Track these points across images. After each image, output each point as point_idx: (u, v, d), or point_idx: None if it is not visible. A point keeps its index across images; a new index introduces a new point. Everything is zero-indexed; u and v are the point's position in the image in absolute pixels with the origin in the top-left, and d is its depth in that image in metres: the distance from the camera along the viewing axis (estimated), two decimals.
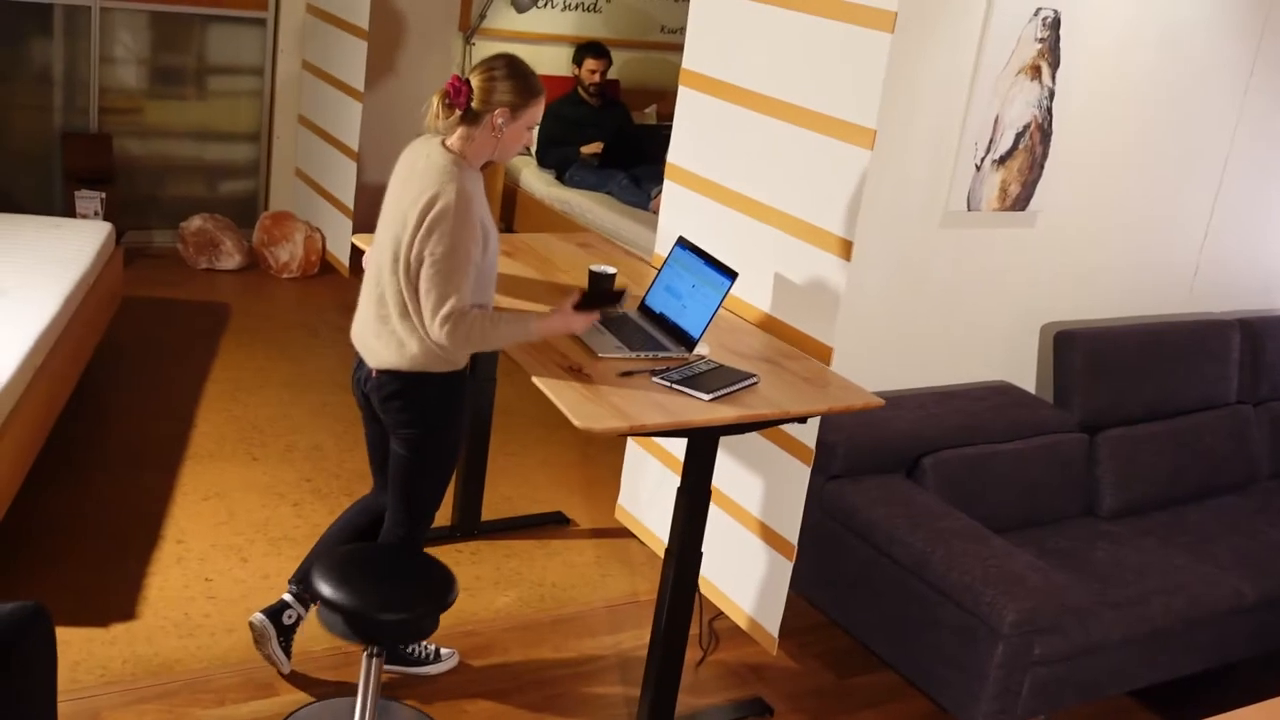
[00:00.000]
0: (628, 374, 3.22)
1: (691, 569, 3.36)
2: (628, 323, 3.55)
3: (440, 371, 3.14)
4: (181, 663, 3.53)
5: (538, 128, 7.15)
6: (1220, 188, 4.84)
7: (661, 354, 3.35)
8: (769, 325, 3.75)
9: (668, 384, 3.18)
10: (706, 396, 3.12)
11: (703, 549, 3.40)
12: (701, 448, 3.27)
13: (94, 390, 5.02)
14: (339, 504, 4.43)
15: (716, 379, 3.22)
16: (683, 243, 3.62)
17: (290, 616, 3.51)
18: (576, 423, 2.95)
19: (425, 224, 2.97)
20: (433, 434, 3.22)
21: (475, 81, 3.05)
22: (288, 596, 3.52)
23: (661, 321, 3.56)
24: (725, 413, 3.11)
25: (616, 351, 3.33)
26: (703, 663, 3.89)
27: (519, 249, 4.15)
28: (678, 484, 3.30)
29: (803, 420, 3.36)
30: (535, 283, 3.83)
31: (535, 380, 3.15)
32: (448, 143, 3.09)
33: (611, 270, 3.67)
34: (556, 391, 3.07)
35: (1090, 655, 3.62)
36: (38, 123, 6.48)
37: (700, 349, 3.42)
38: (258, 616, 3.49)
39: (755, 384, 3.26)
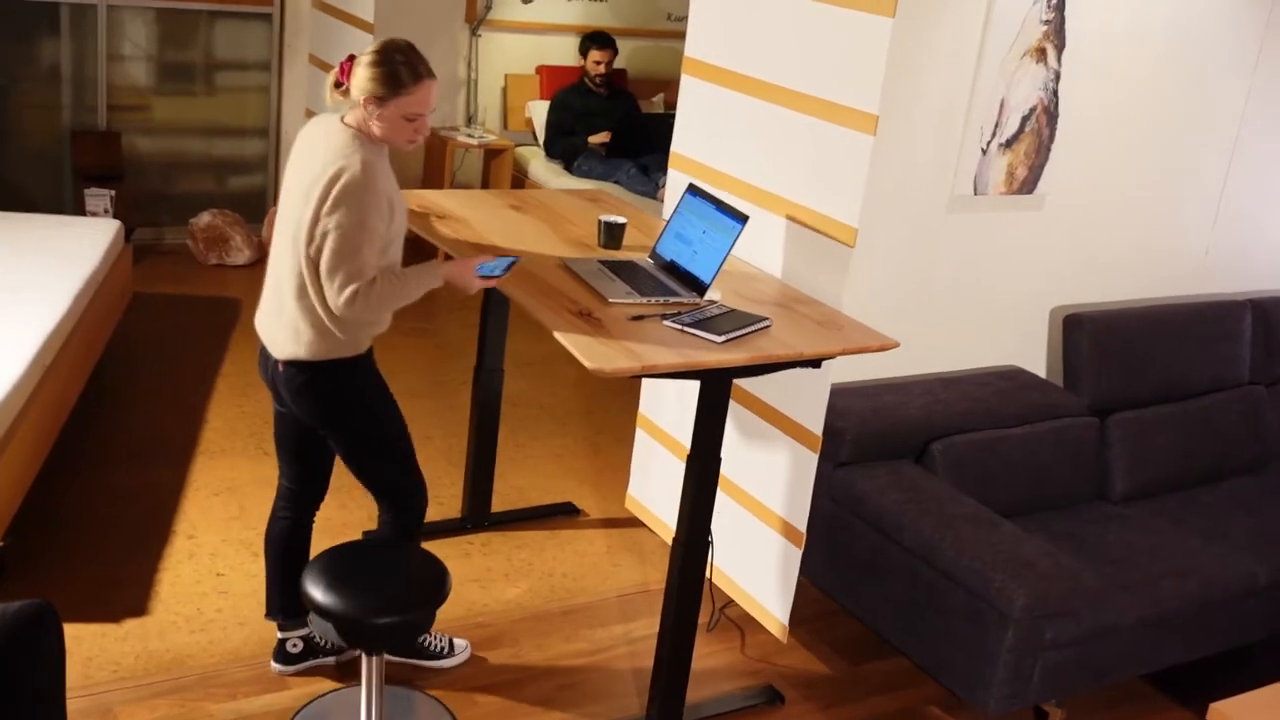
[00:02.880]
0: (638, 318, 3.19)
1: (700, 552, 3.36)
2: (638, 270, 3.53)
3: (344, 357, 3.11)
4: (193, 658, 3.55)
5: (548, 115, 7.20)
6: (1230, 167, 4.80)
7: (672, 299, 3.33)
8: None
9: (679, 327, 3.15)
10: (719, 339, 3.10)
11: (712, 537, 3.40)
12: (713, 392, 3.24)
13: (105, 387, 5.04)
14: (349, 497, 4.44)
15: (728, 322, 3.19)
16: (693, 189, 3.60)
17: (295, 645, 3.51)
18: (587, 364, 2.89)
19: (330, 197, 2.92)
20: (357, 418, 3.19)
21: (357, 65, 3.01)
22: (279, 634, 3.52)
23: (672, 268, 3.53)
24: (738, 354, 3.07)
25: (627, 297, 3.30)
26: (714, 626, 3.89)
27: (528, 204, 4.14)
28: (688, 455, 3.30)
29: (817, 364, 3.34)
30: (546, 235, 3.81)
31: (542, 321, 3.10)
32: (346, 119, 3.05)
33: (621, 220, 3.68)
34: (566, 334, 3.03)
35: (1102, 639, 3.61)
36: (47, 121, 6.51)
37: (712, 294, 3.40)
38: (275, 668, 3.51)
39: (768, 327, 3.23)
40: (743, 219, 3.40)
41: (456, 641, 3.67)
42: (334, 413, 3.18)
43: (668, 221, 3.66)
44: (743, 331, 3.16)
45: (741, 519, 3.92)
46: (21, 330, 4.08)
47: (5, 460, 3.59)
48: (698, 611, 3.44)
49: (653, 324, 3.17)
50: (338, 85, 3.06)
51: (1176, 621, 3.79)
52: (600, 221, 3.71)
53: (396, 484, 3.35)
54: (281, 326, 3.10)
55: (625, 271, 3.49)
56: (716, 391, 3.25)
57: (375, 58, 2.98)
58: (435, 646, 3.62)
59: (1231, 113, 4.71)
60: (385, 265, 3.05)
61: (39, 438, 3.98)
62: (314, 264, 2.98)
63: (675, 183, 4.15)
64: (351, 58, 3.02)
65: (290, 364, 3.12)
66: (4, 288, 4.39)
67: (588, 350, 2.94)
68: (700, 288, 3.40)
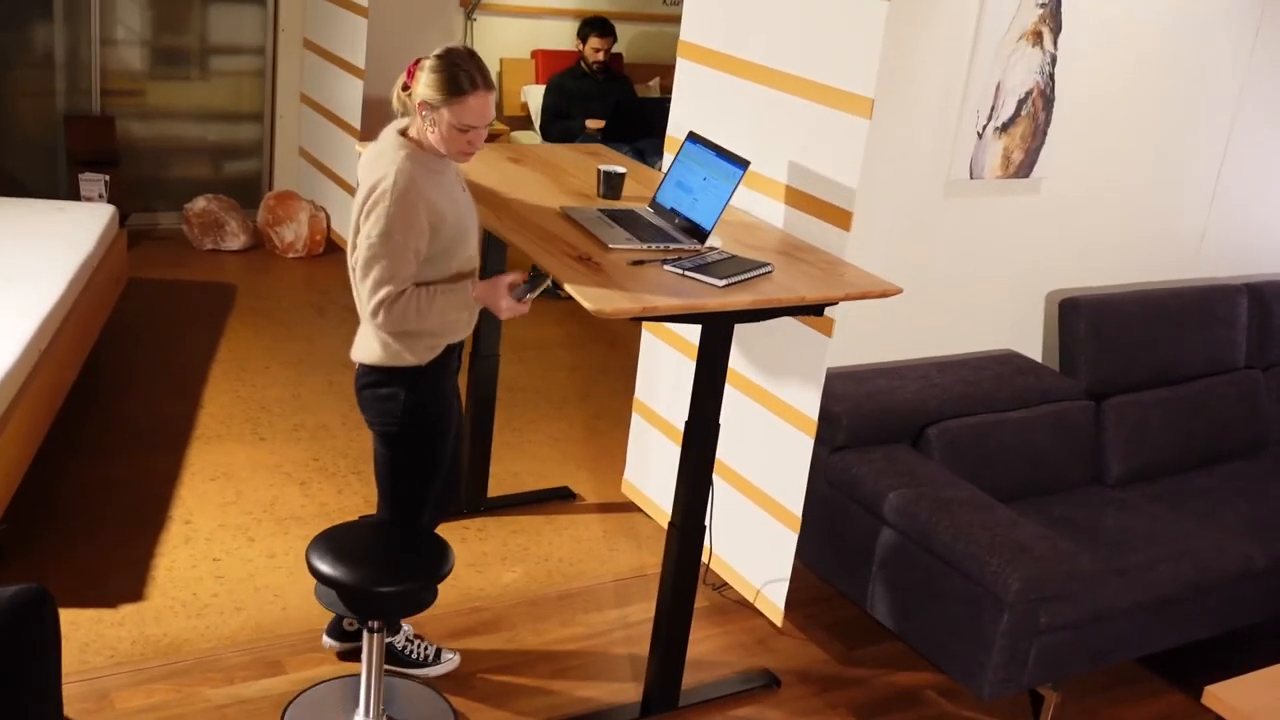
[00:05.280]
0: (639, 263, 3.18)
1: (696, 536, 3.36)
2: (638, 217, 3.52)
3: (404, 366, 3.09)
4: (190, 642, 3.55)
5: (544, 99, 7.18)
6: (1226, 151, 4.80)
7: (673, 245, 3.32)
8: None
9: (680, 271, 3.13)
10: (720, 283, 3.08)
11: (708, 522, 3.40)
12: (715, 338, 3.23)
13: (100, 372, 5.04)
14: (346, 483, 4.44)
15: (730, 267, 3.18)
16: (693, 136, 3.58)
17: (351, 624, 3.57)
18: (588, 305, 2.87)
19: (365, 206, 2.92)
20: (401, 432, 3.16)
21: (419, 70, 2.96)
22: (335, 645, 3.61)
23: (673, 216, 3.53)
24: (740, 298, 3.06)
25: (627, 243, 3.28)
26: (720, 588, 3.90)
27: (527, 156, 4.13)
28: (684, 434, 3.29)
29: (819, 311, 3.33)
30: (545, 186, 3.79)
31: (538, 263, 3.07)
32: (410, 130, 3.02)
33: (621, 169, 3.68)
34: (566, 277, 3.00)
35: (1098, 622, 3.62)
36: (40, 106, 6.48)
37: (712, 241, 3.39)
38: (326, 641, 3.60)
39: (769, 273, 3.22)
40: (744, 164, 3.38)
41: (445, 653, 3.60)
42: (381, 416, 3.17)
43: (667, 170, 3.64)
44: (744, 276, 3.14)
45: (738, 504, 3.92)
46: (16, 316, 4.07)
47: (1, 445, 3.59)
48: (694, 596, 3.44)
49: (653, 269, 3.15)
50: (405, 88, 3.00)
51: (1172, 605, 3.80)
52: (599, 171, 3.71)
53: (406, 504, 3.29)
54: (360, 332, 3.14)
55: (625, 219, 3.48)
56: (718, 337, 3.24)
57: (438, 62, 2.93)
58: (419, 655, 3.56)
59: (1227, 97, 4.70)
60: (434, 278, 3.02)
61: (34, 423, 3.98)
62: (354, 271, 3.00)
63: None
64: (418, 61, 2.97)
65: (360, 365, 3.16)
66: None
67: (588, 293, 2.92)
68: (701, 235, 3.39)
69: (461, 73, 2.91)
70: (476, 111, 2.93)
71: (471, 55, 2.97)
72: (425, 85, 2.92)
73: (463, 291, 3.01)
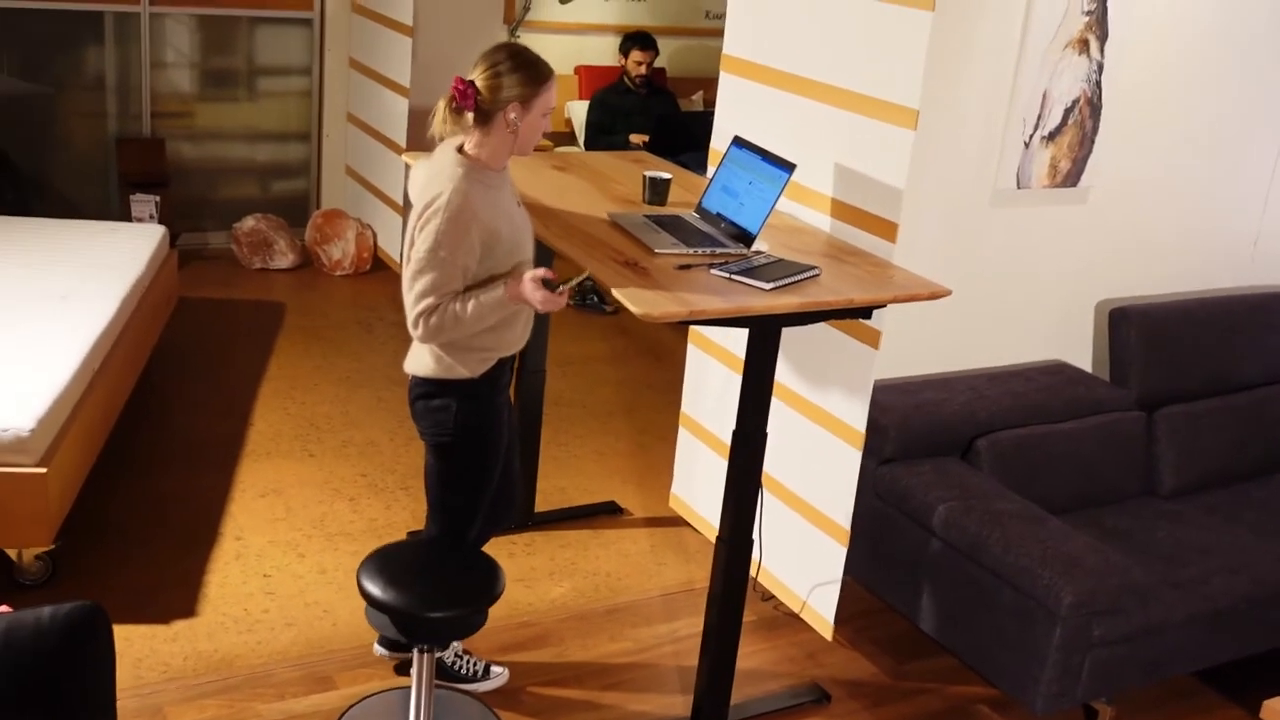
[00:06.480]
0: (685, 268, 3.17)
1: (744, 549, 3.35)
2: (683, 223, 3.52)
3: (457, 379, 3.11)
4: (241, 658, 3.58)
5: (588, 115, 7.21)
6: (1279, 156, 4.73)
7: (719, 249, 3.31)
8: None
9: (727, 275, 3.12)
10: (767, 286, 3.07)
11: (757, 536, 3.39)
12: (762, 341, 3.22)
13: (152, 391, 5.09)
14: (394, 499, 4.47)
15: (777, 270, 3.17)
16: (739, 141, 3.58)
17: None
18: (635, 309, 2.87)
19: (419, 222, 2.95)
20: (454, 443, 3.18)
21: (480, 80, 2.96)
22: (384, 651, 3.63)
23: (719, 221, 3.52)
24: (788, 300, 3.04)
25: (673, 248, 3.28)
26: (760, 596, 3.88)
27: (572, 164, 4.14)
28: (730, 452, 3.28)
29: (867, 314, 3.31)
30: (590, 193, 3.80)
31: (588, 268, 3.06)
32: (464, 148, 3.02)
33: (666, 175, 3.68)
34: (614, 283, 3.00)
35: (1152, 636, 3.57)
36: (92, 129, 6.59)
37: (759, 245, 3.38)
38: (378, 650, 3.63)
39: (817, 276, 3.21)
40: (790, 167, 3.37)
41: (494, 668, 3.61)
42: (432, 428, 3.19)
43: (713, 176, 3.64)
44: (792, 279, 3.13)
45: (786, 517, 3.90)
46: (70, 335, 4.12)
47: (56, 464, 3.64)
48: (742, 610, 3.43)
49: (700, 273, 3.15)
50: (455, 109, 2.97)
51: (1227, 618, 3.74)
52: (645, 177, 3.72)
53: (455, 518, 3.31)
54: (413, 346, 3.16)
55: (671, 224, 3.48)
56: (765, 341, 3.23)
57: (511, 63, 2.95)
58: (469, 670, 3.57)
59: (1278, 100, 4.63)
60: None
61: (88, 442, 4.03)
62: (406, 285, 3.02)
63: None
64: (463, 80, 2.95)
65: (413, 377, 3.18)
66: (52, 294, 4.45)
67: (635, 297, 2.91)
68: (747, 239, 3.38)
69: (537, 60, 3.01)
70: (554, 93, 3.05)
71: (525, 47, 3.05)
72: (514, 84, 2.95)
73: (497, 293, 3.00)
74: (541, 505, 4.51)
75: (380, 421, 5.06)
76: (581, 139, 7.45)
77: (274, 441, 4.83)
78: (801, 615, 3.93)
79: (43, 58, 6.37)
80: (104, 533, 4.10)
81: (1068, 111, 4.05)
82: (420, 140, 6.57)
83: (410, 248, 2.99)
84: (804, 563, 3.86)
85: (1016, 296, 4.28)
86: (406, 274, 2.99)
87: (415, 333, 3.00)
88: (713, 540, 3.55)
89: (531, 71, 2.97)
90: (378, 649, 3.61)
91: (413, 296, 2.96)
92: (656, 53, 7.26)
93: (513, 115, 2.97)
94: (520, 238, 3.09)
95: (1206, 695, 3.96)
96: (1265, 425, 4.52)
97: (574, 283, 2.99)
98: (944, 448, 3.94)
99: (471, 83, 2.96)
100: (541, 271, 2.98)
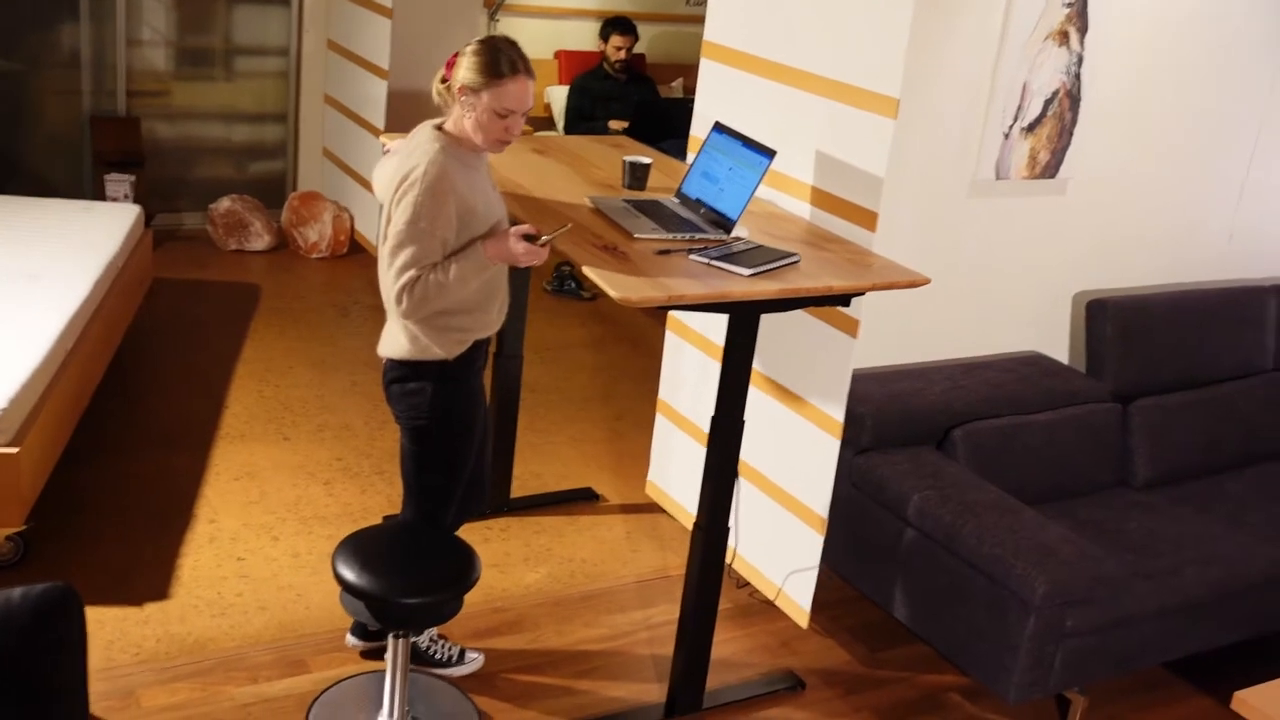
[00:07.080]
0: (665, 253, 3.17)
1: (720, 537, 3.35)
2: (663, 208, 3.51)
3: (432, 360, 3.09)
4: (214, 641, 3.56)
5: (568, 100, 7.18)
6: (1255, 151, 4.76)
7: (699, 235, 3.31)
8: None
9: (706, 260, 3.12)
10: (746, 272, 3.06)
11: (733, 523, 3.39)
12: (741, 327, 3.22)
13: (125, 372, 5.06)
14: (369, 483, 4.45)
15: (756, 256, 3.17)
16: (719, 126, 3.57)
17: (375, 624, 3.51)
18: (613, 293, 2.86)
19: (396, 195, 2.93)
20: (429, 426, 3.16)
21: (460, 57, 2.99)
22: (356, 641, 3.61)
23: (698, 207, 3.52)
24: (766, 287, 3.04)
25: (652, 232, 3.28)
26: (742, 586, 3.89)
27: (551, 148, 4.12)
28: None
29: (846, 301, 3.31)
30: (569, 177, 3.79)
31: (567, 253, 3.06)
32: (445, 124, 3.04)
33: (646, 160, 3.68)
34: (592, 267, 2.99)
35: (1124, 627, 3.59)
36: (67, 107, 6.52)
37: (738, 231, 3.38)
38: (350, 640, 3.60)
39: (796, 262, 3.21)
40: (770, 153, 3.36)
41: (469, 653, 3.60)
42: (407, 411, 3.17)
43: (693, 161, 3.64)
44: (771, 266, 3.13)
45: (762, 504, 3.91)
46: (43, 315, 4.09)
47: (28, 445, 3.61)
48: (718, 597, 3.43)
49: (679, 258, 3.14)
50: (444, 81, 3.02)
51: (1199, 609, 3.76)
52: (625, 162, 3.71)
53: (430, 501, 3.29)
54: (387, 327, 3.15)
55: (650, 209, 3.47)
56: (744, 327, 3.23)
57: (479, 47, 2.96)
58: (444, 655, 3.56)
59: (1256, 95, 4.66)
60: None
61: (61, 422, 4.00)
62: (383, 260, 3.00)
63: None
64: (457, 54, 2.99)
65: (387, 360, 3.17)
66: (25, 273, 4.40)
67: (613, 281, 2.91)
68: (727, 225, 3.38)
69: (502, 57, 2.94)
70: (515, 96, 2.95)
71: (512, 43, 3.00)
72: (466, 69, 2.94)
73: (476, 253, 2.99)
74: (517, 491, 4.50)
75: (355, 405, 5.04)
76: (561, 124, 7.42)
77: (248, 424, 4.81)
78: (777, 603, 3.94)
79: (16, 34, 6.30)
80: (76, 514, 4.07)
81: (1047, 103, 4.06)
82: (399, 123, 6.55)
83: (387, 224, 2.97)
84: (780, 550, 3.87)
85: (994, 287, 4.29)
86: (384, 250, 2.97)
87: (398, 309, 2.97)
88: (689, 527, 3.55)
89: (486, 62, 2.93)
90: (349, 639, 3.59)
91: (393, 272, 2.94)
92: (636, 38, 7.24)
93: (465, 98, 2.96)
94: (495, 219, 3.08)
95: (1178, 686, 3.99)
96: (1238, 418, 4.55)
97: (556, 234, 2.98)
98: (920, 437, 3.95)
99: (457, 57, 3.00)
100: (524, 227, 2.99)
